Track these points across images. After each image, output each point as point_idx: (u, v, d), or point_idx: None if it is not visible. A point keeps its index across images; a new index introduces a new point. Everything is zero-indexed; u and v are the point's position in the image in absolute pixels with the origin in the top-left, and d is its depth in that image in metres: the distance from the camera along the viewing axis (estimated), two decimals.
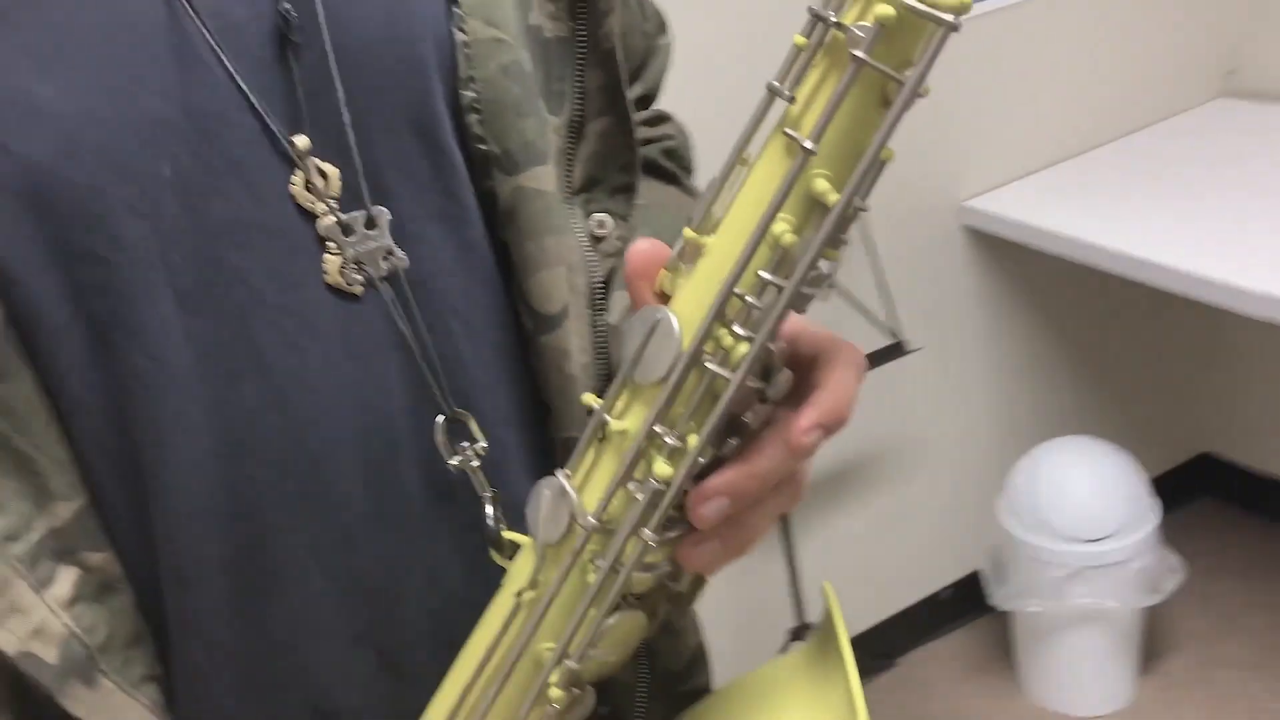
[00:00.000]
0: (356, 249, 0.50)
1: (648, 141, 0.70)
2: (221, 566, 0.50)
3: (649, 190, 0.67)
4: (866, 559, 2.08)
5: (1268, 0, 2.11)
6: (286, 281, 0.50)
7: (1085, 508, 1.92)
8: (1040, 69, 1.98)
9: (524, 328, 0.57)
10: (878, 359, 1.80)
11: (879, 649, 2.12)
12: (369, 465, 0.52)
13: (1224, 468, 2.47)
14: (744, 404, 0.41)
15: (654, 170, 0.70)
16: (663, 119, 0.73)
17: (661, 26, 0.71)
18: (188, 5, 0.47)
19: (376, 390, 0.52)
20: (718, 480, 0.42)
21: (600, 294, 0.59)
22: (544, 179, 0.55)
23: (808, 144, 0.37)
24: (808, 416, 0.42)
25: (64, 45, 0.46)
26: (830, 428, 0.42)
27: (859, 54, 0.36)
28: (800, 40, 0.39)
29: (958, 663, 2.18)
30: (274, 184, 0.49)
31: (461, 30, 0.53)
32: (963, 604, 2.21)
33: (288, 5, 0.49)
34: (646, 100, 0.72)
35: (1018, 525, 1.94)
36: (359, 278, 0.51)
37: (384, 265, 0.51)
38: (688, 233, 0.42)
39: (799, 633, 1.87)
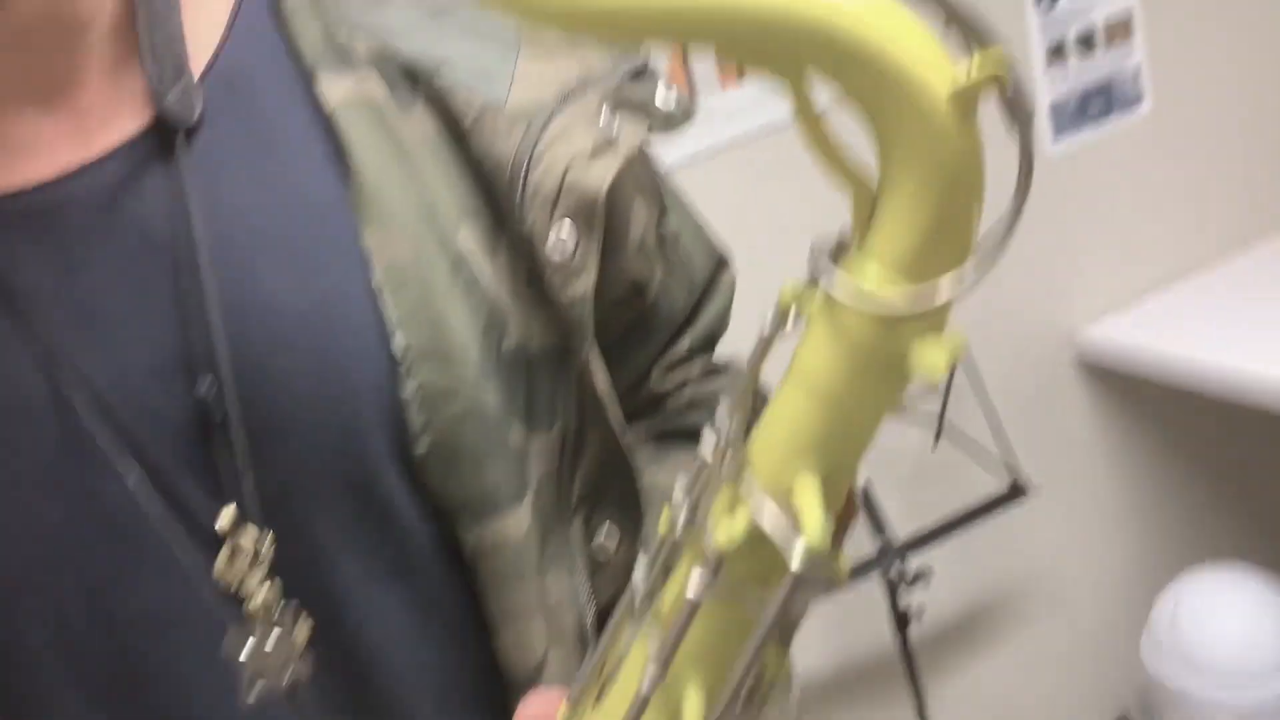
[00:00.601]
0: (271, 647, 0.49)
1: (692, 405, 0.65)
2: None
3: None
4: (1003, 708, 1.97)
5: None
6: (207, 664, 0.49)
7: (1241, 645, 1.78)
8: (1147, 184, 1.89)
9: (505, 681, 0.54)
10: (997, 504, 1.72)
11: None
12: None
13: None
14: None
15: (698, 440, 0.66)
16: (718, 371, 0.67)
17: (720, 264, 0.67)
18: (85, 397, 0.46)
19: None
20: None
21: (597, 629, 0.56)
22: (511, 526, 0.52)
23: (648, 681, 0.34)
24: None
25: None
26: None
27: (691, 597, 0.33)
28: (663, 526, 0.37)
29: None
30: (196, 568, 0.48)
31: (409, 382, 0.50)
32: None
33: (205, 385, 0.47)
34: (710, 341, 0.67)
35: (1164, 667, 1.81)
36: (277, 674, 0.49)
37: (296, 666, 0.49)
38: (562, 712, 0.39)
39: None
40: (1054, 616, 1.99)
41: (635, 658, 0.36)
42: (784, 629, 0.34)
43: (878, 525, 1.68)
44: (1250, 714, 1.74)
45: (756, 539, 0.33)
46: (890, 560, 1.64)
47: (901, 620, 1.71)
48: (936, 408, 1.70)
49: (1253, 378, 1.61)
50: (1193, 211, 1.93)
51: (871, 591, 1.70)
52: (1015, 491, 1.72)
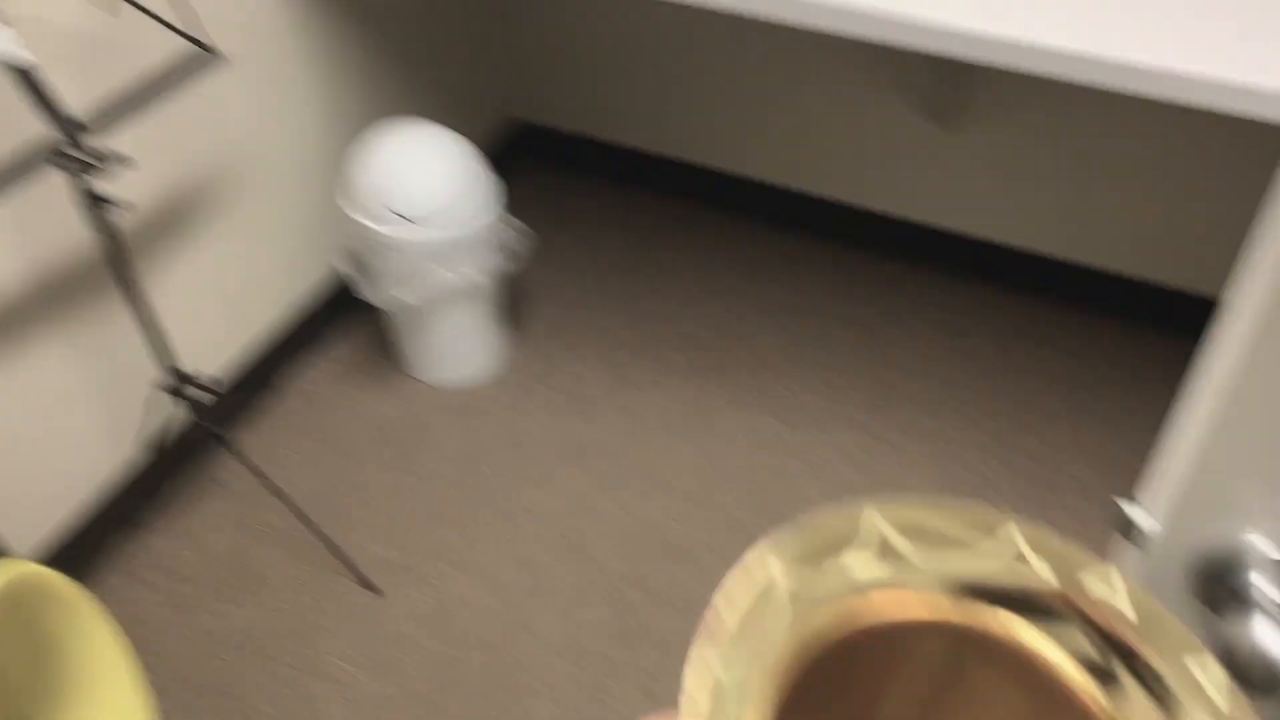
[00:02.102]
0: None
1: None
2: None
3: None
4: (229, 285, 1.96)
5: None
6: None
7: (423, 189, 1.88)
8: None
9: None
10: (187, 70, 1.60)
11: (260, 379, 2.05)
12: None
13: (535, 131, 2.59)
14: None
15: None
16: None
17: None
18: None
19: None
20: None
21: None
22: None
23: None
24: None
25: None
26: None
27: None
28: None
29: (343, 365, 2.17)
30: None
31: None
32: (338, 309, 2.18)
33: None
34: None
35: (365, 216, 1.88)
36: None
37: None
38: None
39: (175, 389, 1.74)
40: (262, 190, 1.98)
41: None
42: None
43: (48, 107, 1.49)
44: (436, 251, 1.89)
45: None
46: (71, 138, 1.47)
47: (97, 208, 1.57)
48: None
49: None
50: None
51: (58, 184, 1.53)
52: (204, 59, 1.61)
